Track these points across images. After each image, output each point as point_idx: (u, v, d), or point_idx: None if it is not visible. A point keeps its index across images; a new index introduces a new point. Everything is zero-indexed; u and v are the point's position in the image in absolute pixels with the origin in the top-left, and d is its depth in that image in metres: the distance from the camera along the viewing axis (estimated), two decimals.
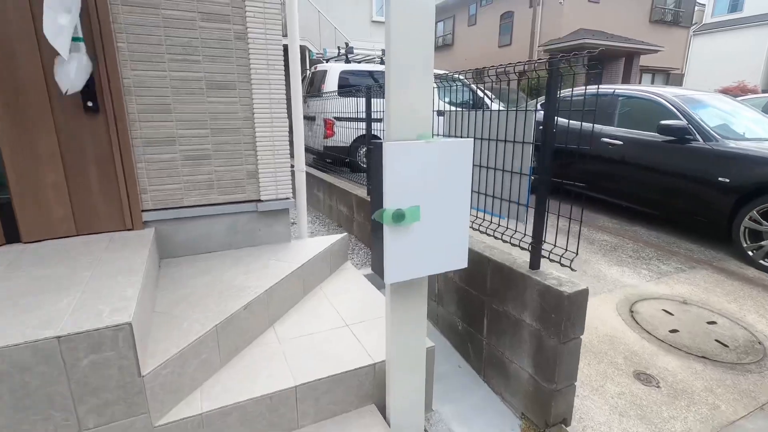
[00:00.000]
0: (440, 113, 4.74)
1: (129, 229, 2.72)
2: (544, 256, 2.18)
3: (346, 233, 3.44)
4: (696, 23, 23.59)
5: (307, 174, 6.47)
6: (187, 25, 2.64)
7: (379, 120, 5.98)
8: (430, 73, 1.72)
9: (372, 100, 4.28)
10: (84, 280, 1.95)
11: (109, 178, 2.62)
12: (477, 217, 2.78)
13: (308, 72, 9.70)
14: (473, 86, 8.15)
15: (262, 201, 3.07)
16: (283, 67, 2.94)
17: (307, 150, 8.00)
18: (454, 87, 3.16)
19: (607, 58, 18.73)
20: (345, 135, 7.05)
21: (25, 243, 2.46)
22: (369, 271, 3.64)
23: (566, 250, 2.12)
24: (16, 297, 1.78)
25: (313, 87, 8.37)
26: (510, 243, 2.41)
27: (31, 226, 2.47)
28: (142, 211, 2.75)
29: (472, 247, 2.52)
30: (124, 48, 2.52)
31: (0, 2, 2.21)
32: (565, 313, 1.99)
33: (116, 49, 2.48)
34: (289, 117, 3.07)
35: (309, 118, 8.08)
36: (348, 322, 2.55)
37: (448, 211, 1.75)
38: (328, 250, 3.15)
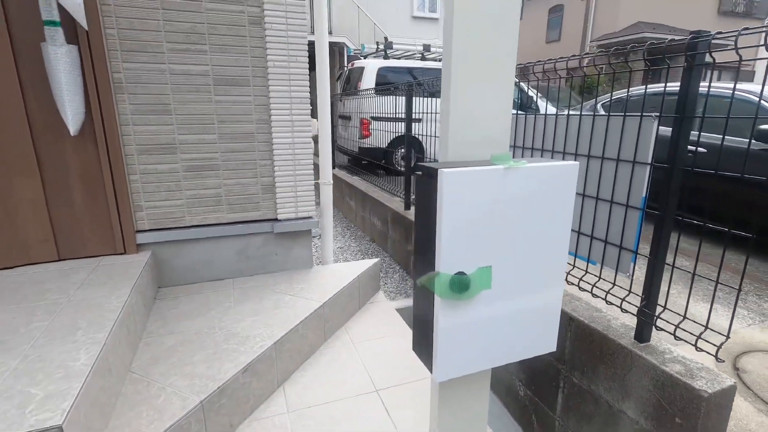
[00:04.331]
0: None
1: (121, 253, 2.27)
2: (662, 328, 1.52)
3: (378, 259, 2.87)
4: None
5: (339, 179, 5.97)
6: (190, 6, 2.15)
7: (419, 120, 5.38)
8: (511, 67, 1.12)
9: (412, 99, 3.68)
10: (34, 336, 1.49)
11: (96, 194, 2.18)
12: None
13: (345, 69, 9.23)
14: (521, 84, 7.41)
15: (280, 220, 2.55)
16: (306, 59, 2.41)
17: (342, 151, 7.51)
18: None
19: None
20: (382, 136, 6.51)
21: None
22: (404, 303, 3.06)
23: (706, 328, 1.45)
24: None
25: (350, 84, 7.88)
26: (604, 300, 1.75)
27: (4, 250, 2.06)
28: (136, 231, 2.29)
29: None
30: (113, 35, 2.05)
31: None
32: (699, 420, 1.33)
33: (104, 35, 2.03)
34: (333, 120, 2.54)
35: (345, 118, 7.60)
36: (378, 385, 1.98)
37: (535, 271, 1.14)
38: (357, 280, 2.59)
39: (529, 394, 2.12)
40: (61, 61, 1.87)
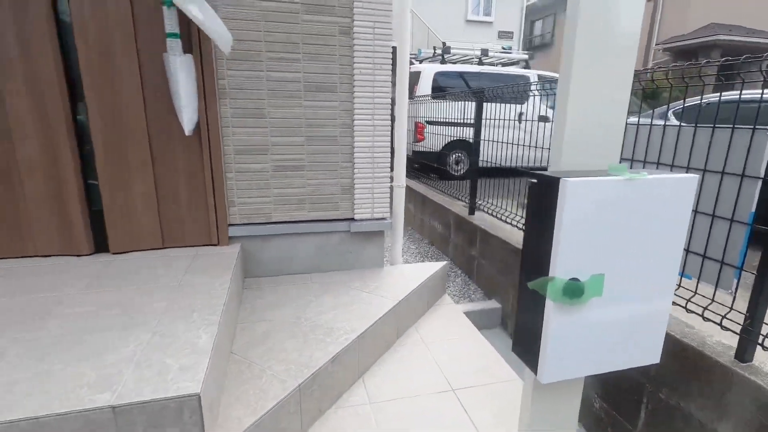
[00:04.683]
0: (544, 119, 4.06)
1: (215, 244, 2.48)
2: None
3: (446, 262, 2.92)
4: None
5: None
6: (288, 18, 2.31)
7: (470, 125, 5.40)
8: (628, 82, 1.15)
9: (482, 104, 3.70)
10: (156, 315, 1.67)
11: (198, 189, 2.39)
12: None
13: None
14: None
15: (356, 220, 2.67)
16: (390, 67, 2.51)
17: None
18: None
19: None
20: (436, 140, 6.56)
21: (113, 254, 2.31)
22: (470, 307, 3.09)
23: None
24: (82, 332, 1.54)
25: None
26: (701, 316, 1.70)
27: (119, 237, 2.31)
28: (229, 225, 2.49)
29: None
30: None
31: (104, 20, 2.05)
32: None
33: (213, 46, 2.23)
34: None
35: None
36: (453, 384, 2.03)
37: (645, 281, 1.15)
38: (427, 282, 2.66)
39: (606, 407, 2.09)
40: (180, 69, 2.08)
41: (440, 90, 6.92)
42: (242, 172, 2.44)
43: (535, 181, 1.12)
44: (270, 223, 2.56)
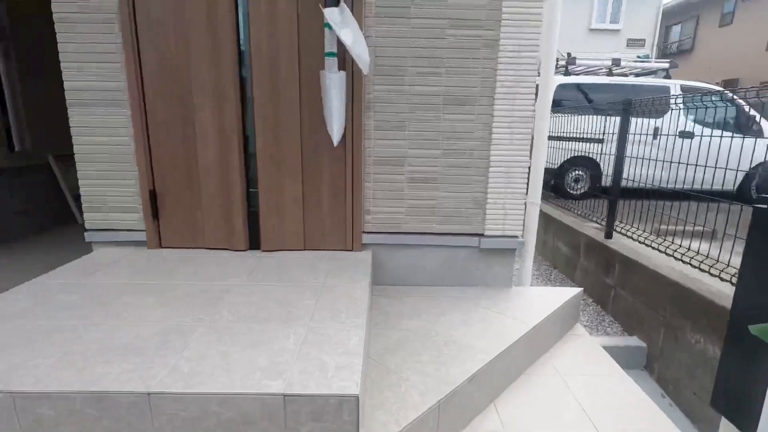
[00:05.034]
0: (686, 135, 3.53)
1: (348, 250, 2.60)
2: None
3: (581, 289, 2.67)
4: None
5: None
6: (434, 34, 2.36)
7: (598, 140, 4.97)
8: None
9: (629, 118, 3.36)
10: (308, 312, 1.79)
11: (339, 197, 2.54)
12: None
13: None
14: (738, 102, 6.12)
15: (486, 236, 2.59)
16: (535, 79, 2.41)
17: None
18: (709, 103, 2.21)
19: None
20: (553, 155, 6.18)
21: (263, 251, 2.56)
22: (609, 341, 2.78)
23: None
24: (248, 320, 1.71)
25: None
26: None
27: (270, 237, 2.55)
28: (363, 232, 2.59)
29: None
30: (373, 62, 2.38)
31: (275, 44, 2.31)
32: None
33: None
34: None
35: None
36: (599, 426, 1.82)
37: None
38: (562, 308, 2.46)
39: None
40: (334, 85, 2.24)
41: (558, 104, 6.51)
42: (379, 182, 2.54)
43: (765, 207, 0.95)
44: (400, 233, 2.61)
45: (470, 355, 1.90)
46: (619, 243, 3.24)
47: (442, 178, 2.54)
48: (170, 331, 1.61)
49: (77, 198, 4.10)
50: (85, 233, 2.55)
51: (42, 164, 3.92)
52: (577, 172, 6.81)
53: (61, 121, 4.01)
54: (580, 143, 6.04)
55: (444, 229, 2.61)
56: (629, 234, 3.18)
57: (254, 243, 2.58)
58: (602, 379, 2.18)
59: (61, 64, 2.34)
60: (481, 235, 2.60)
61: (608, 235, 3.35)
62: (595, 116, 5.38)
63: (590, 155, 6.13)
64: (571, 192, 6.89)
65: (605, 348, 2.52)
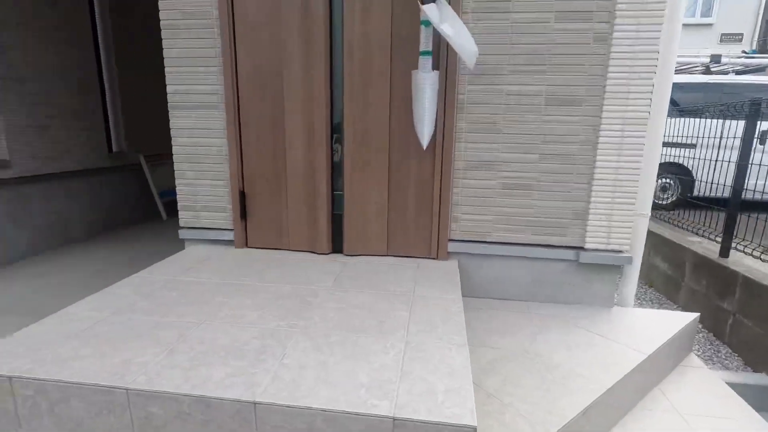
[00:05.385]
0: None
1: (433, 258, 2.48)
2: None
3: (698, 314, 2.34)
4: None
5: None
6: (537, 29, 2.18)
7: (690, 145, 4.53)
8: None
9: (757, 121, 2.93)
10: (403, 324, 1.69)
11: (425, 202, 2.43)
12: None
13: None
14: None
15: (587, 249, 2.35)
16: (653, 75, 2.14)
17: None
18: None
19: None
20: None
21: (346, 255, 2.51)
22: (728, 376, 2.41)
23: None
24: (341, 329, 1.64)
25: None
26: None
27: (353, 241, 2.50)
28: (448, 240, 2.46)
29: None
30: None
31: (367, 43, 2.25)
32: None
33: (459, 61, 2.24)
34: None
35: None
36: None
37: None
38: (677, 335, 2.16)
39: None
40: (427, 85, 2.13)
41: None
42: (468, 187, 2.39)
43: None
44: (488, 243, 2.44)
45: (579, 385, 1.70)
46: (740, 263, 2.82)
47: (538, 185, 2.34)
48: (266, 335, 1.58)
49: (161, 195, 4.38)
50: (179, 230, 2.65)
51: (133, 164, 4.21)
52: (665, 179, 6.20)
53: (150, 123, 4.28)
54: (669, 148, 5.49)
55: (537, 240, 2.40)
56: (754, 254, 2.75)
57: (337, 246, 2.54)
58: (731, 421, 1.87)
59: (165, 69, 2.45)
60: (581, 248, 2.37)
61: (724, 253, 2.93)
62: (686, 119, 4.89)
63: (680, 161, 5.55)
64: (658, 202, 6.29)
65: (733, 385, 2.18)
